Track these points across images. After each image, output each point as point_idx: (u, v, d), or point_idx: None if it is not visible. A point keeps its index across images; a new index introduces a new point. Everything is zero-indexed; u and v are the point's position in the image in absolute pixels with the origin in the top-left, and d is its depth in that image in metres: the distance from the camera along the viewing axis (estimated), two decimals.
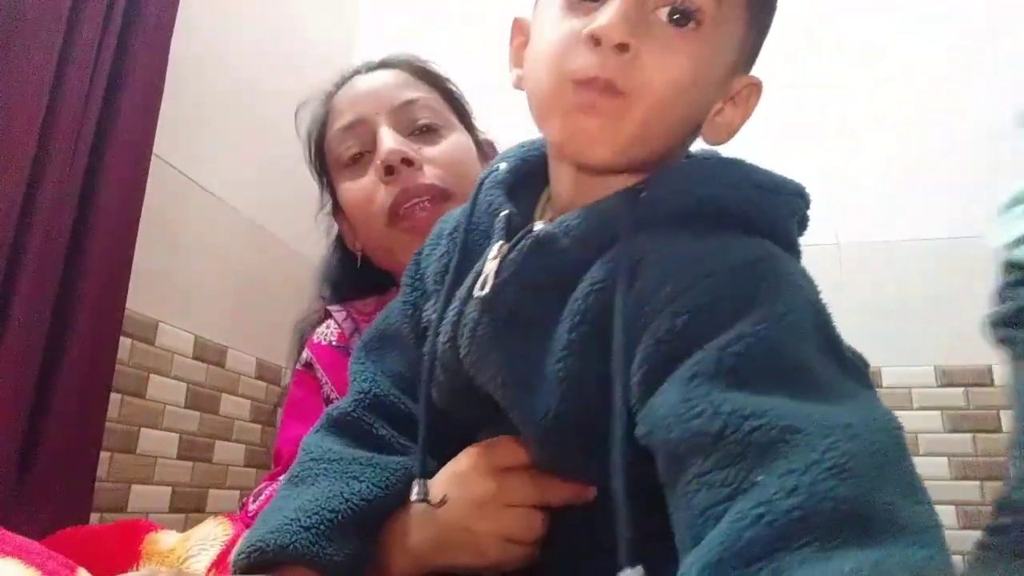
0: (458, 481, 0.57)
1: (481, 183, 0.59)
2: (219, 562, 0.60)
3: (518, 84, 0.58)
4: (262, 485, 0.82)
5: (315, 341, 0.92)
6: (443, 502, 0.54)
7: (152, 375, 1.25)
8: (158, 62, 1.16)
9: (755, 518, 0.32)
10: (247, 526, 0.75)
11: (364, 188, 0.86)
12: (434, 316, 0.56)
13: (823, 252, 1.53)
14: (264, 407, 1.56)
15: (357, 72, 0.96)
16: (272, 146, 1.65)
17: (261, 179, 1.60)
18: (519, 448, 0.54)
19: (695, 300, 0.43)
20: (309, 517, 0.51)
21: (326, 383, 0.86)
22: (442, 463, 0.58)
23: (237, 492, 1.45)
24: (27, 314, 0.93)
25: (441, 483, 0.56)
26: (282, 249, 1.67)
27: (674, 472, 0.39)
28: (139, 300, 1.19)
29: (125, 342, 1.16)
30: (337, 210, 0.97)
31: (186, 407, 1.32)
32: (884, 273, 1.54)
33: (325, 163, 0.94)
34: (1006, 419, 1.42)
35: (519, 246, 0.51)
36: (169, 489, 1.28)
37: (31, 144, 0.95)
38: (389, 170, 0.83)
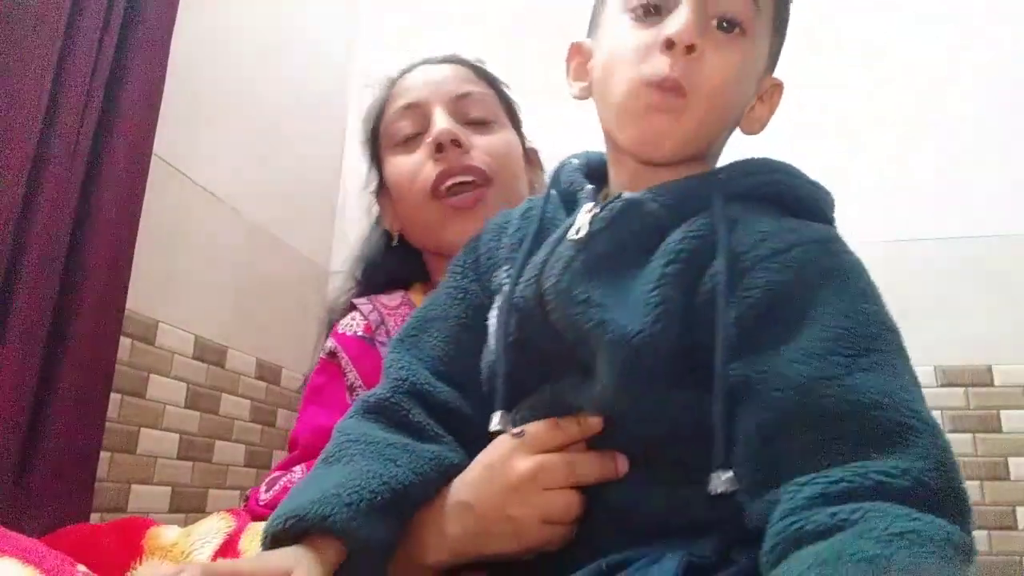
0: (493, 469, 0.58)
1: (559, 169, 0.68)
2: (220, 552, 0.60)
3: (582, 95, 0.68)
4: (276, 474, 0.82)
5: (340, 332, 0.93)
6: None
7: (152, 375, 1.25)
8: (158, 62, 1.16)
9: (876, 482, 0.43)
10: (254, 517, 0.75)
11: (412, 163, 0.90)
12: (506, 279, 0.62)
13: None
14: (264, 407, 1.56)
15: (425, 62, 1.00)
16: (272, 146, 1.65)
17: (261, 179, 1.60)
18: (552, 431, 0.56)
19: (794, 261, 0.53)
20: (350, 494, 0.52)
21: (351, 371, 0.88)
22: (474, 448, 0.59)
23: (237, 492, 1.45)
24: (27, 314, 0.93)
25: (475, 472, 0.58)
26: (282, 249, 1.68)
27: (783, 425, 0.48)
28: (139, 300, 1.19)
29: (125, 342, 1.16)
30: (381, 191, 1.00)
31: (186, 407, 1.32)
32: (884, 273, 1.53)
33: (378, 144, 0.99)
34: (1006, 419, 1.42)
35: (609, 207, 0.59)
36: (169, 489, 1.28)
37: (31, 144, 0.95)
38: (439, 147, 0.88)
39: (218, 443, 1.41)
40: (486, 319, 0.64)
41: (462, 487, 0.58)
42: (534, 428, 0.57)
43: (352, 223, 1.90)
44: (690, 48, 0.57)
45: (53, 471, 0.96)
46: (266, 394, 1.57)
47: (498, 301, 0.62)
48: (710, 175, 0.60)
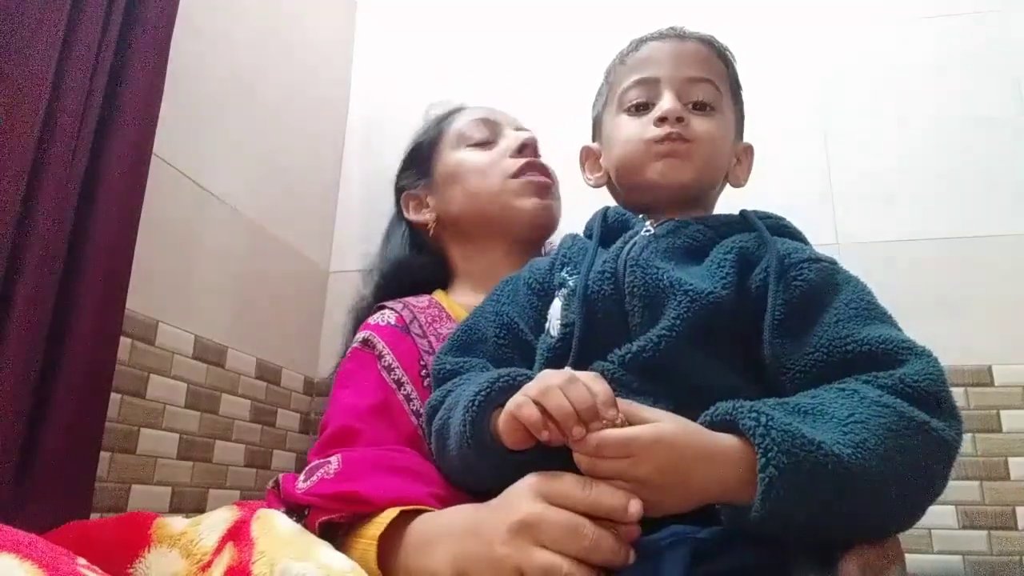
0: (507, 499, 0.60)
1: (606, 209, 0.86)
2: (229, 537, 0.61)
3: (598, 183, 0.92)
4: (314, 463, 0.83)
5: (372, 323, 1.00)
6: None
7: (152, 375, 1.24)
8: (158, 62, 1.16)
9: (898, 379, 0.61)
10: (288, 503, 0.77)
11: (491, 155, 1.07)
12: (570, 274, 0.78)
13: (823, 252, 1.51)
14: (264, 407, 1.56)
15: (485, 111, 1.15)
16: (272, 146, 1.65)
17: (261, 179, 1.60)
18: (575, 486, 0.57)
19: (821, 269, 0.71)
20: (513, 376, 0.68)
21: (388, 353, 0.94)
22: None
23: (237, 492, 1.45)
24: (27, 314, 0.93)
25: (496, 499, 0.62)
26: (282, 249, 1.68)
27: (826, 371, 0.65)
28: (139, 300, 1.19)
29: (125, 342, 1.16)
30: (418, 187, 1.13)
31: (186, 407, 1.32)
32: (884, 273, 1.53)
33: (433, 152, 1.12)
34: (1006, 419, 1.42)
35: (665, 223, 0.78)
36: (169, 489, 1.28)
37: (31, 144, 0.95)
38: (521, 149, 1.07)
39: (218, 443, 1.41)
40: (542, 318, 0.79)
41: (482, 509, 0.62)
42: (564, 478, 0.58)
43: (352, 223, 1.91)
44: (680, 119, 0.79)
45: (53, 471, 0.96)
46: (266, 394, 1.57)
47: (562, 292, 0.77)
48: (742, 214, 0.80)
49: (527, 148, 1.04)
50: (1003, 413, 1.42)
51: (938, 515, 1.39)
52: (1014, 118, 1.58)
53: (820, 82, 1.70)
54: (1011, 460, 1.40)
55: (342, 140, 1.99)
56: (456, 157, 1.07)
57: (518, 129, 1.09)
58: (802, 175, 1.61)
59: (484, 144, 1.06)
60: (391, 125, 1.91)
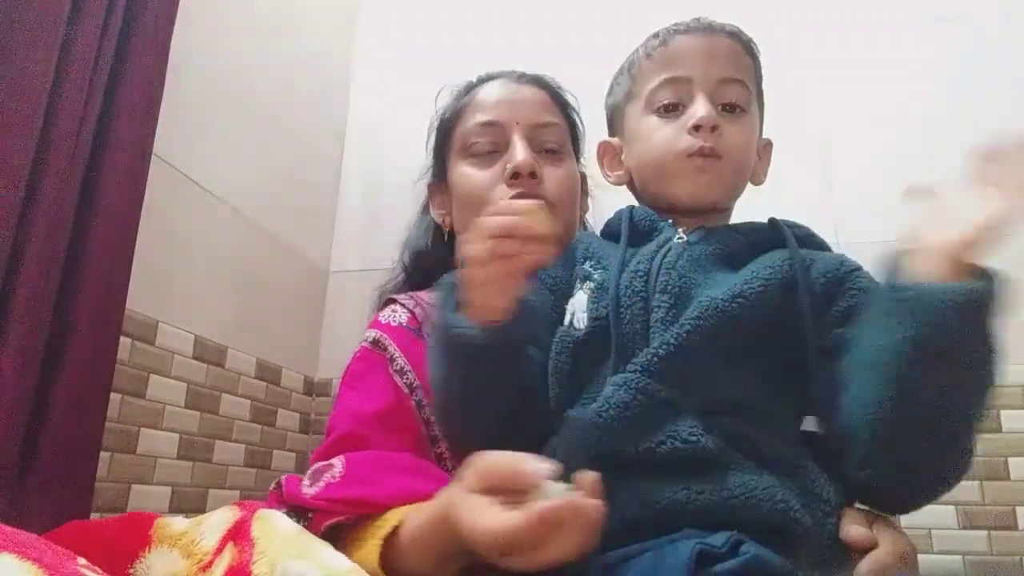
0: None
1: (631, 209, 0.83)
2: (229, 537, 0.61)
3: (619, 181, 0.87)
4: (318, 465, 0.83)
5: (383, 322, 0.97)
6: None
7: (152, 375, 1.25)
8: (158, 62, 1.16)
9: None
10: (291, 504, 0.76)
11: (486, 179, 0.97)
12: (598, 269, 0.77)
13: None
14: (264, 407, 1.56)
15: (505, 76, 1.05)
16: (272, 146, 1.65)
17: (261, 179, 1.60)
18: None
19: (865, 275, 0.73)
20: None
21: (399, 357, 0.91)
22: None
23: (237, 492, 1.45)
24: (27, 314, 0.93)
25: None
26: (282, 249, 1.68)
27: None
28: (139, 300, 1.19)
29: (125, 342, 1.16)
30: (438, 184, 1.08)
31: (186, 407, 1.32)
32: None
33: (447, 144, 1.05)
34: (1006, 419, 1.42)
35: (696, 231, 0.77)
36: (169, 489, 1.28)
37: (31, 144, 0.95)
38: (516, 175, 0.95)
39: (218, 443, 1.41)
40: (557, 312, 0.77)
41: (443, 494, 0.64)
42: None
43: (352, 223, 1.91)
44: (715, 127, 0.76)
45: (53, 471, 0.96)
46: (266, 394, 1.57)
47: (587, 286, 0.76)
48: (771, 223, 0.79)
49: (519, 175, 0.95)
50: (1003, 413, 1.43)
51: (938, 515, 1.39)
52: (1014, 119, 1.58)
53: (820, 82, 1.70)
54: (1011, 460, 1.40)
55: (342, 140, 1.99)
56: (459, 172, 1.01)
57: (527, 125, 0.99)
58: (802, 175, 1.62)
59: (485, 156, 0.99)
60: (391, 125, 1.91)
